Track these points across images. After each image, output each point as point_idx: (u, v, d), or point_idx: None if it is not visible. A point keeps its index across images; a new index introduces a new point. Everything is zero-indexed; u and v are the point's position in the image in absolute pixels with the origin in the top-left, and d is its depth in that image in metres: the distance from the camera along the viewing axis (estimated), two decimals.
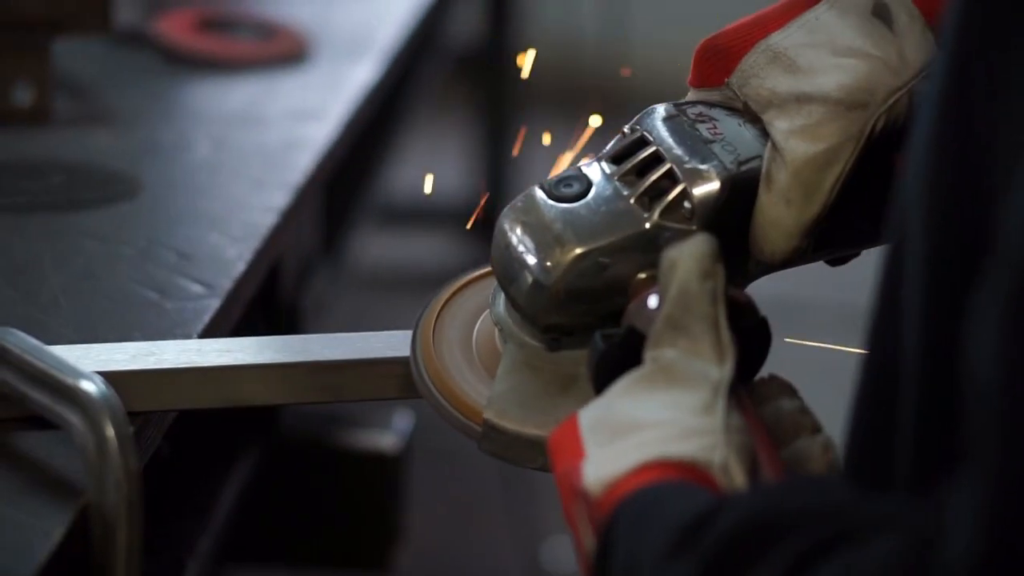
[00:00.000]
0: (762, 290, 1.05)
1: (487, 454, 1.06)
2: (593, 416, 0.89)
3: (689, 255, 0.92)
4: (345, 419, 1.99)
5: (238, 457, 1.77)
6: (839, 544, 0.71)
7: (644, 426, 0.86)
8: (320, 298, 2.01)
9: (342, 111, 1.93)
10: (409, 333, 1.12)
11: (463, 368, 1.08)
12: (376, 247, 3.47)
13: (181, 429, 1.28)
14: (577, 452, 0.88)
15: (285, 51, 2.15)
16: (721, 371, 0.88)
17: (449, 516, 2.99)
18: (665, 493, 0.82)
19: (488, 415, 1.04)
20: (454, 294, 1.12)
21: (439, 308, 1.11)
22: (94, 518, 1.00)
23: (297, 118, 1.89)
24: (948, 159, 0.75)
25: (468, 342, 1.10)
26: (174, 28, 2.14)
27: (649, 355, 0.91)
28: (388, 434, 2.00)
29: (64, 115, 1.86)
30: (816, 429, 0.94)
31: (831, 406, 1.07)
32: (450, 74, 3.45)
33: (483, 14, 3.86)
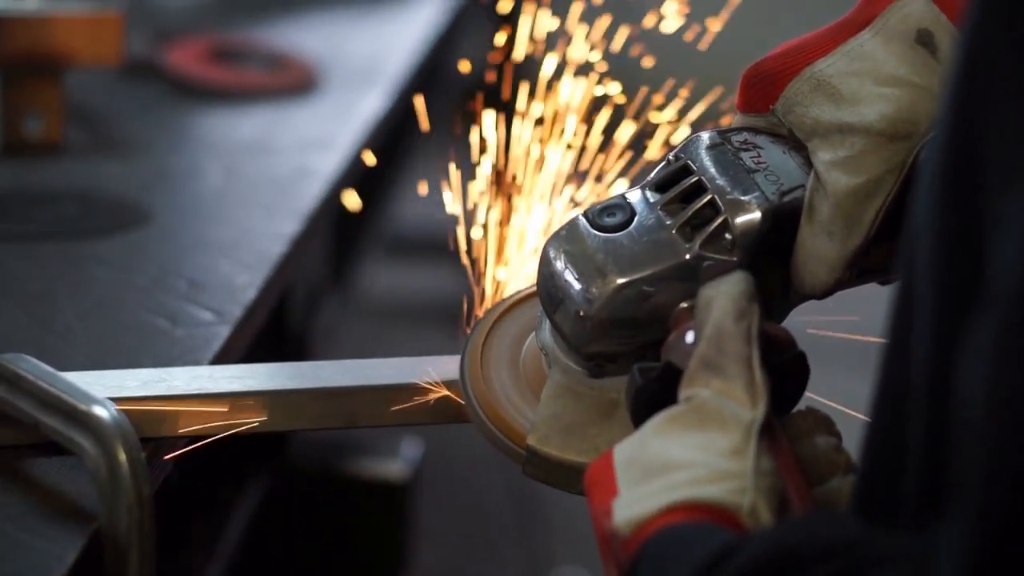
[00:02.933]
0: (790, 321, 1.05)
1: (530, 478, 1.06)
2: (627, 453, 0.89)
3: (725, 294, 0.92)
4: (354, 447, 2.00)
5: (247, 485, 1.78)
6: None
7: (675, 467, 0.86)
8: (329, 326, 2.02)
9: (351, 140, 1.94)
10: (418, 360, 1.14)
11: (510, 391, 1.09)
12: (384, 276, 3.48)
13: (190, 457, 1.28)
14: (610, 489, 0.88)
15: (295, 81, 2.16)
16: (754, 413, 0.88)
17: (457, 544, 2.99)
18: (689, 533, 0.83)
19: (531, 441, 1.05)
20: (501, 316, 1.13)
21: (487, 330, 1.11)
22: (106, 542, 1.01)
23: (306, 147, 1.90)
24: (952, 196, 0.75)
25: (515, 364, 1.10)
26: (185, 59, 2.16)
27: (683, 394, 0.91)
28: (397, 462, 2.00)
29: (76, 145, 1.88)
30: (849, 468, 0.94)
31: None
32: (458, 105, 3.46)
33: (491, 46, 3.87)
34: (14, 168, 1.79)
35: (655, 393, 0.93)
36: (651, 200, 1.04)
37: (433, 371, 1.14)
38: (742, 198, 1.02)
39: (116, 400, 1.06)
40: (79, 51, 1.85)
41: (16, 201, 1.68)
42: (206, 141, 1.98)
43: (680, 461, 0.87)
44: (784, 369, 0.94)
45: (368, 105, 2.09)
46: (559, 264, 1.03)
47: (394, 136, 2.50)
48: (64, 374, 1.08)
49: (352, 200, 1.89)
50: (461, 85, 3.38)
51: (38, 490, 1.06)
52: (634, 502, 0.86)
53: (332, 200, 1.79)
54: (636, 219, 1.03)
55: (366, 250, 2.49)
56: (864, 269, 1.05)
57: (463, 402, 1.10)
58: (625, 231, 1.03)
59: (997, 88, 0.71)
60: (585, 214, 1.04)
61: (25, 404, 1.07)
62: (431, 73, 2.72)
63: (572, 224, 1.04)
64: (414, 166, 2.91)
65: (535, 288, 1.11)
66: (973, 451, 0.66)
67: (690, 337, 0.95)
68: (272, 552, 1.92)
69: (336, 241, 2.17)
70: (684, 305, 1.01)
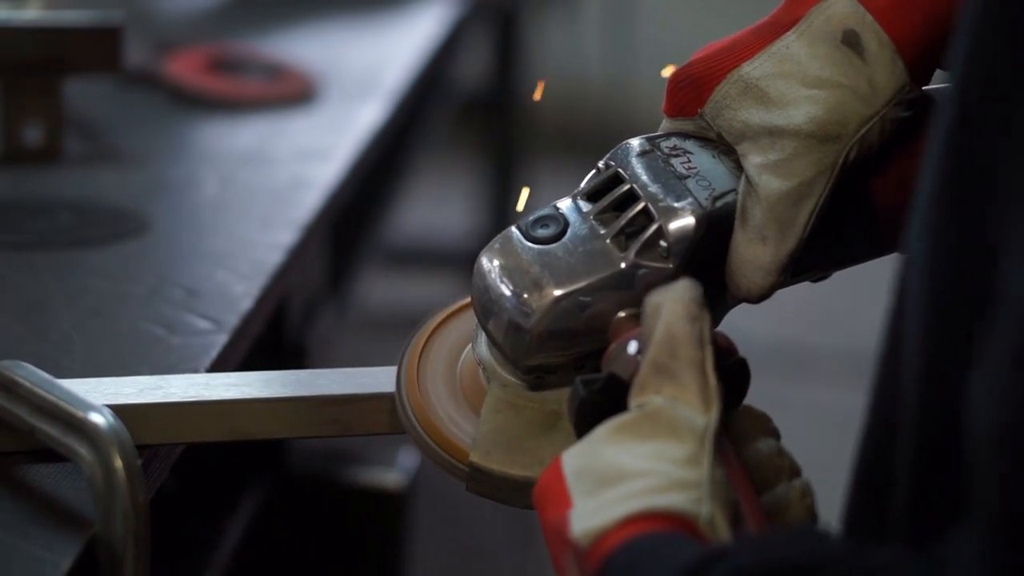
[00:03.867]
0: (768, 336, 1.05)
1: (475, 494, 1.06)
2: (577, 463, 0.88)
3: (674, 299, 0.92)
4: (349, 456, 2.00)
5: (243, 494, 1.78)
6: None
7: (630, 476, 0.85)
8: (325, 337, 2.02)
9: (349, 151, 1.94)
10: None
11: (448, 406, 1.08)
12: (381, 288, 3.49)
13: (187, 465, 1.29)
14: (563, 501, 0.87)
15: (293, 92, 2.17)
16: (707, 419, 0.88)
17: (452, 555, 2.99)
18: (656, 544, 0.82)
19: (474, 457, 1.04)
20: (436, 328, 1.12)
21: (422, 344, 1.11)
22: (102, 550, 1.01)
23: (304, 158, 1.90)
24: (951, 213, 0.75)
25: (452, 377, 1.10)
26: (183, 69, 2.17)
27: (635, 401, 0.90)
28: (392, 472, 2.01)
29: (74, 154, 1.88)
30: (794, 472, 0.94)
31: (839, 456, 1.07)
32: (456, 116, 3.47)
33: (489, 57, 3.89)
34: (12, 176, 1.80)
35: (599, 405, 0.93)
36: (583, 210, 1.04)
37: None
38: (675, 205, 1.02)
39: (113, 407, 1.06)
40: (78, 60, 1.85)
41: (14, 209, 1.69)
42: (204, 151, 1.99)
43: (635, 470, 0.86)
44: (727, 375, 0.94)
45: (367, 116, 2.10)
46: (494, 278, 1.03)
47: (392, 147, 2.51)
48: (60, 381, 1.09)
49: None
50: (460, 97, 3.39)
51: (33, 497, 1.07)
52: (591, 513, 0.85)
53: (330, 211, 1.80)
54: (569, 230, 1.03)
55: (363, 261, 2.49)
56: (798, 269, 1.05)
57: (400, 417, 1.10)
58: (559, 242, 1.02)
59: (1011, 96, 0.71)
60: (518, 226, 1.04)
61: (21, 410, 1.07)
62: (430, 84, 2.73)
63: (505, 237, 1.04)
64: (412, 177, 2.91)
65: (468, 301, 1.11)
66: (987, 469, 0.66)
67: (632, 347, 0.95)
68: (268, 560, 1.92)
69: (333, 251, 2.17)
70: (623, 314, 1.01)
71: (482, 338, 1.07)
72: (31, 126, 1.83)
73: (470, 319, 1.11)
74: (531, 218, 1.04)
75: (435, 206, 4.16)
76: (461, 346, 1.11)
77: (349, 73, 2.31)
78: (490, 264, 1.03)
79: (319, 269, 2.04)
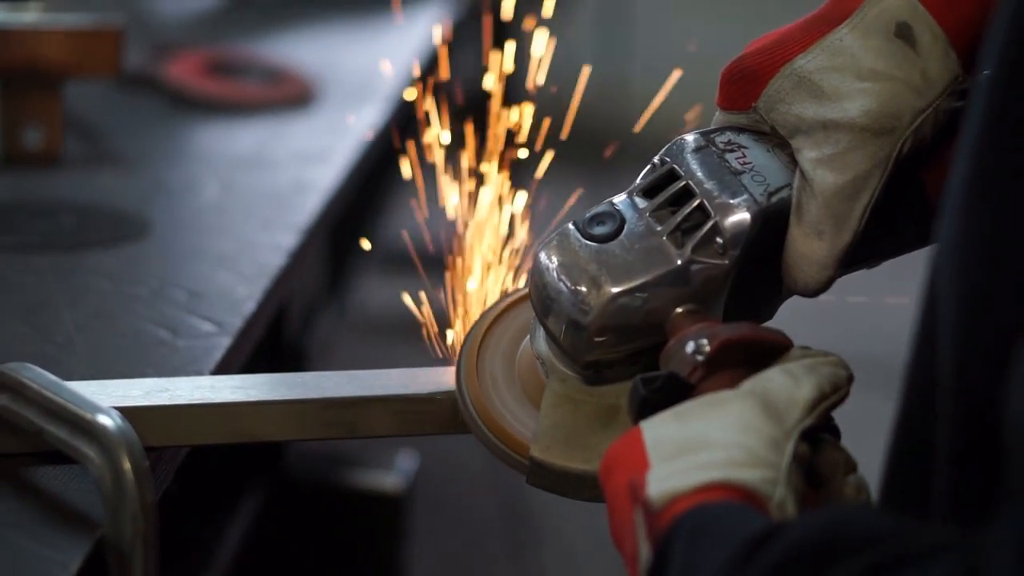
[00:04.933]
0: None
1: (534, 487, 1.07)
2: (659, 431, 0.90)
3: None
4: (349, 460, 2.00)
5: (243, 497, 1.78)
6: (899, 566, 0.73)
7: (712, 446, 0.87)
8: (326, 339, 2.02)
9: (348, 154, 1.95)
10: (417, 371, 1.14)
11: (507, 400, 1.09)
12: (381, 289, 3.49)
13: (188, 468, 1.29)
14: (640, 463, 0.89)
15: (292, 95, 2.17)
16: (804, 420, 0.90)
17: (450, 558, 2.99)
18: (726, 512, 0.84)
19: (534, 452, 1.05)
20: (495, 321, 1.13)
21: (480, 337, 1.12)
22: (110, 550, 1.01)
23: (304, 160, 1.91)
24: (984, 209, 0.76)
25: (511, 372, 1.11)
26: (183, 72, 2.17)
27: (752, 380, 0.93)
28: (391, 475, 2.01)
29: (74, 157, 1.88)
30: (851, 467, 0.95)
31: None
32: (454, 120, 3.47)
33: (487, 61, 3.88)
34: (13, 180, 1.80)
35: (659, 404, 0.94)
36: (639, 206, 1.05)
37: (431, 381, 1.15)
38: (731, 201, 1.02)
39: (120, 409, 1.07)
40: (78, 63, 1.85)
41: (15, 213, 1.69)
42: (204, 154, 1.99)
43: (718, 441, 0.88)
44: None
45: (365, 119, 2.10)
46: (552, 274, 1.03)
47: (391, 150, 2.51)
48: (68, 383, 1.09)
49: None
50: (457, 99, 3.39)
51: (42, 498, 1.07)
52: (669, 476, 0.87)
53: (330, 213, 1.80)
54: (626, 227, 1.04)
55: (363, 263, 2.49)
56: (851, 260, 1.05)
57: (462, 413, 1.10)
58: (616, 240, 1.03)
59: None
60: (575, 223, 1.05)
61: (29, 413, 1.07)
62: (427, 87, 2.73)
63: (562, 234, 1.04)
64: (409, 182, 2.91)
65: (523, 291, 1.11)
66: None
67: (690, 347, 0.96)
68: (267, 562, 1.92)
69: (333, 254, 2.18)
70: (680, 310, 1.02)
71: (540, 332, 1.08)
72: (31, 129, 1.83)
73: (526, 310, 1.11)
74: (588, 215, 1.04)
75: (433, 208, 4.15)
76: (519, 339, 1.12)
77: (348, 76, 2.31)
78: (548, 261, 1.04)
79: (320, 271, 2.04)
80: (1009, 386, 0.69)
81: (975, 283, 0.75)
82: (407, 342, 1.20)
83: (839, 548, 0.75)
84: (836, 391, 0.94)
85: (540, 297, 1.04)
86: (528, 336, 1.11)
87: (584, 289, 1.02)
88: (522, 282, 1.27)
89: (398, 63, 2.42)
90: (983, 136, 0.76)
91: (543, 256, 1.04)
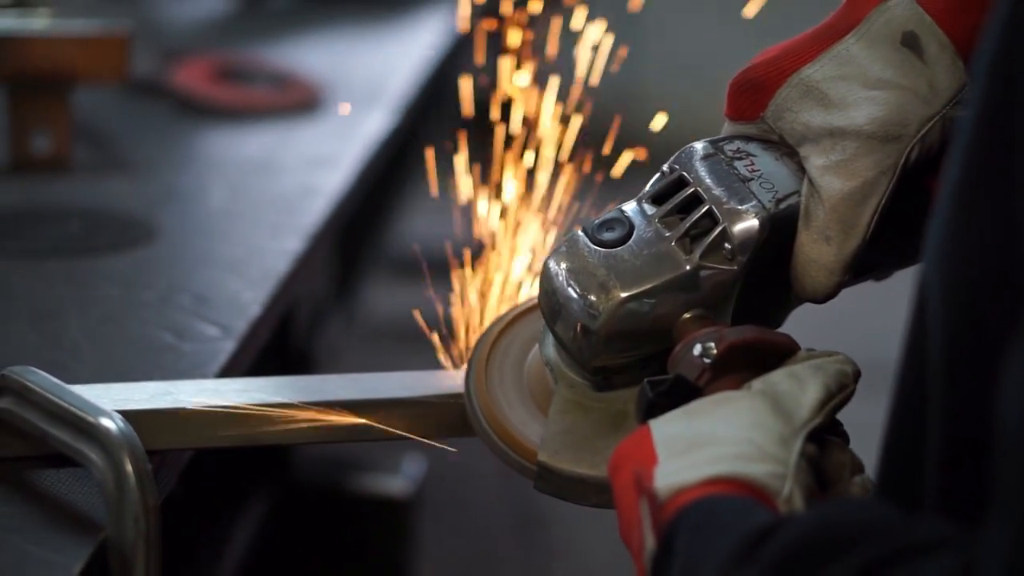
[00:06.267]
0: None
1: (542, 492, 1.07)
2: (668, 429, 0.91)
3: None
4: (355, 464, 2.01)
5: (250, 502, 1.79)
6: (898, 560, 0.73)
7: (721, 441, 0.88)
8: (332, 343, 2.03)
9: (355, 159, 1.95)
10: (423, 374, 1.15)
11: (516, 406, 1.10)
12: (388, 294, 3.49)
13: (194, 473, 1.29)
14: (649, 458, 0.89)
15: (300, 100, 2.18)
16: (812, 419, 0.91)
17: (458, 562, 2.99)
18: (730, 505, 0.85)
19: (542, 457, 1.06)
20: (504, 329, 1.13)
21: (490, 345, 1.12)
22: (113, 553, 1.02)
23: (311, 165, 1.91)
24: (975, 209, 0.76)
25: (519, 378, 1.11)
26: (190, 78, 2.18)
27: (759, 380, 0.94)
28: (398, 479, 2.01)
29: (83, 163, 1.89)
30: (857, 468, 0.95)
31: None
32: (461, 125, 3.47)
33: (494, 67, 3.89)
34: (21, 185, 1.81)
35: (666, 407, 0.94)
36: (648, 212, 1.05)
37: (436, 385, 1.15)
38: (739, 207, 1.03)
39: (123, 412, 1.07)
40: (86, 69, 1.86)
41: (23, 218, 1.70)
42: (212, 159, 1.99)
43: (726, 437, 0.88)
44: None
45: (372, 124, 2.11)
46: (561, 280, 1.04)
47: (398, 155, 2.52)
48: (72, 387, 1.09)
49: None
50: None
51: (45, 501, 1.07)
52: (677, 471, 0.87)
53: (337, 218, 1.81)
54: (635, 232, 1.04)
55: (370, 268, 2.50)
56: (860, 269, 1.06)
57: (470, 418, 1.11)
58: (625, 245, 1.04)
59: None
60: (584, 229, 1.05)
61: (33, 416, 1.08)
62: (435, 93, 2.74)
63: (571, 239, 1.05)
64: (418, 185, 2.92)
65: (534, 301, 1.12)
66: (1016, 458, 0.67)
67: (697, 349, 0.97)
68: (275, 566, 1.93)
69: (340, 259, 2.18)
70: (688, 315, 1.03)
71: (549, 339, 1.09)
72: (40, 135, 1.84)
73: (536, 320, 1.12)
74: (597, 221, 1.05)
75: (440, 214, 4.16)
76: (528, 347, 1.13)
77: (355, 82, 2.32)
78: (557, 267, 1.04)
79: (326, 276, 2.05)
80: (999, 386, 0.69)
81: (964, 285, 0.76)
82: (415, 348, 1.21)
83: (840, 542, 0.75)
84: (843, 389, 0.95)
85: (549, 303, 1.05)
86: (537, 344, 1.11)
87: (593, 294, 1.02)
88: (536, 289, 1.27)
89: (406, 68, 2.42)
90: (973, 140, 0.76)
91: (552, 262, 1.04)
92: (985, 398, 0.73)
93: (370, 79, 2.35)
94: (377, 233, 2.57)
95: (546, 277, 1.05)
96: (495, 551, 3.04)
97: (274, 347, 1.74)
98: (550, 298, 1.05)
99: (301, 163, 1.92)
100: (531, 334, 1.13)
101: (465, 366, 1.13)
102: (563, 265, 1.04)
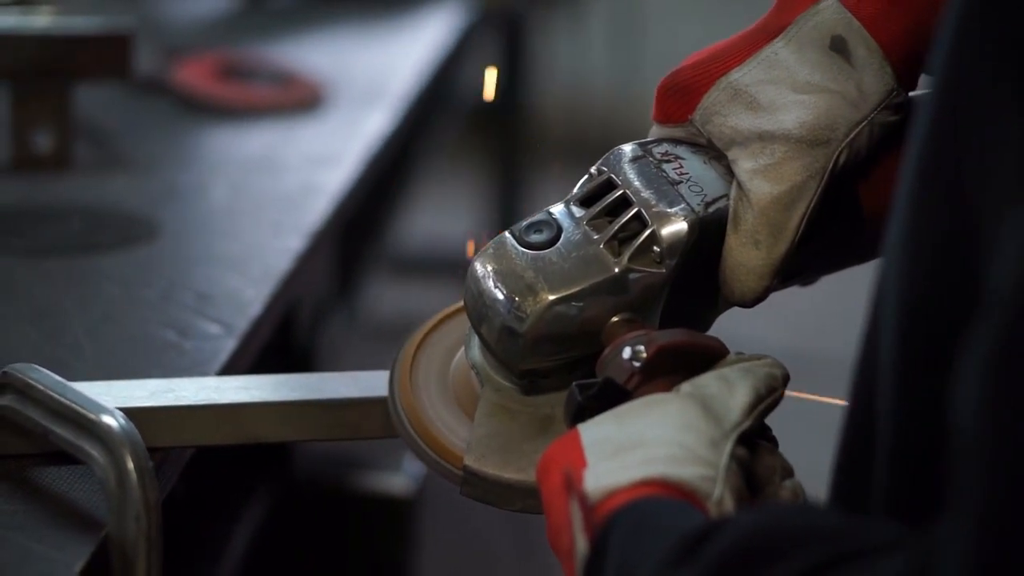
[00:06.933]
0: (765, 343, 1.06)
1: (468, 497, 1.07)
2: (597, 432, 0.91)
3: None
4: (356, 462, 2.01)
5: (250, 500, 1.79)
6: (841, 564, 0.73)
7: (651, 444, 0.88)
8: (334, 342, 2.03)
9: (357, 158, 1.95)
10: None
11: (441, 410, 1.09)
12: (390, 293, 3.50)
13: (195, 471, 1.30)
14: (577, 461, 0.89)
15: (302, 98, 2.18)
16: (741, 422, 0.91)
17: (458, 561, 3.00)
18: (663, 507, 0.85)
19: (468, 461, 1.05)
20: (429, 332, 1.13)
21: (415, 348, 1.12)
22: (114, 550, 1.02)
23: (313, 164, 1.91)
24: (932, 209, 0.76)
25: (445, 382, 1.11)
26: (193, 76, 2.18)
27: (689, 383, 0.94)
28: (399, 477, 2.01)
29: (84, 161, 1.89)
30: (787, 473, 0.95)
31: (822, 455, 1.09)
32: (463, 124, 3.48)
33: (497, 65, 3.90)
34: (23, 183, 1.81)
35: (595, 410, 0.94)
36: (576, 215, 1.05)
37: None
38: (668, 210, 1.03)
39: (124, 410, 1.07)
40: (88, 67, 1.86)
41: (25, 216, 1.70)
42: (213, 157, 2.00)
43: (657, 439, 0.88)
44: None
45: (374, 122, 2.11)
46: (488, 283, 1.03)
47: (400, 153, 2.52)
48: (73, 384, 1.10)
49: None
50: (467, 104, 3.40)
51: (47, 498, 1.08)
52: (607, 473, 0.87)
53: (338, 217, 1.81)
54: (563, 235, 1.03)
55: (372, 267, 2.50)
56: (788, 274, 1.06)
57: (394, 422, 1.10)
58: (553, 248, 1.03)
59: (991, 100, 0.72)
60: (511, 231, 1.04)
61: (34, 413, 1.08)
62: (437, 92, 2.74)
63: (499, 242, 1.04)
64: (420, 184, 2.93)
65: (459, 306, 1.11)
66: (971, 457, 0.67)
67: (626, 352, 0.97)
68: (275, 565, 1.93)
69: (342, 257, 2.18)
70: (616, 319, 1.02)
71: (475, 342, 1.08)
72: (41, 133, 1.84)
73: (462, 324, 1.11)
74: (524, 223, 1.04)
75: (442, 212, 4.16)
76: (453, 351, 1.12)
77: (357, 80, 2.32)
78: (484, 269, 1.03)
79: (327, 275, 2.05)
80: (953, 385, 0.69)
81: (917, 284, 0.76)
82: None
83: (781, 545, 0.75)
84: (771, 392, 0.95)
85: (475, 305, 1.04)
86: (463, 348, 1.10)
87: (520, 296, 1.02)
88: None
89: (408, 67, 2.43)
90: (925, 150, 0.77)
91: (479, 264, 1.03)
92: (936, 399, 0.73)
93: (372, 77, 2.35)
94: (379, 231, 2.57)
95: (472, 279, 1.04)
96: (496, 549, 3.04)
97: (275, 345, 1.74)
98: (476, 300, 1.04)
99: (303, 161, 1.93)
100: (456, 337, 1.12)
101: (389, 370, 1.12)
102: (490, 267, 1.03)
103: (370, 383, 1.16)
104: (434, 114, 2.92)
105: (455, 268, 4.10)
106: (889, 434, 0.79)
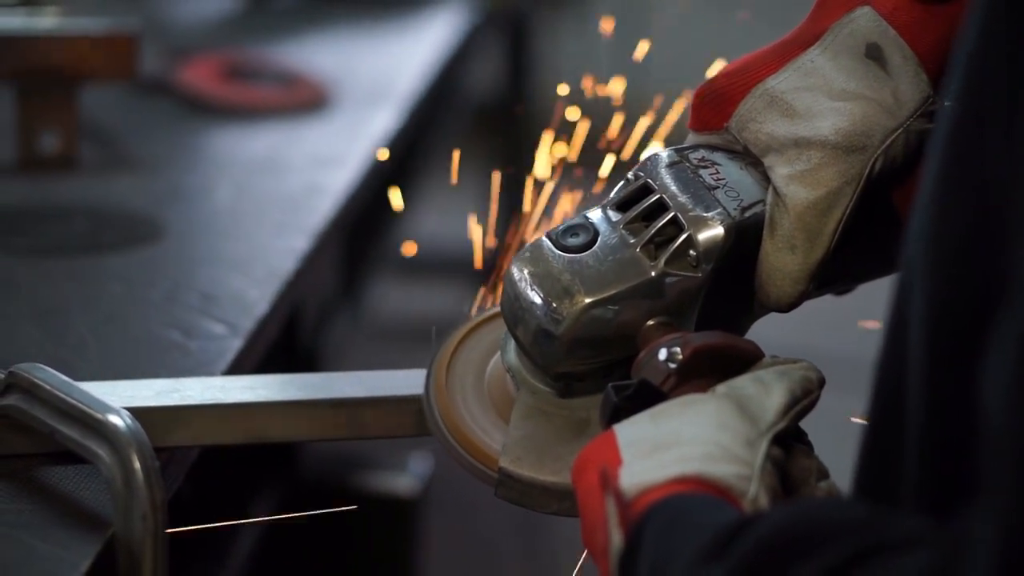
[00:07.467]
0: (781, 342, 1.06)
1: (502, 499, 1.07)
2: (633, 431, 0.91)
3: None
4: (362, 462, 2.01)
5: (257, 500, 1.79)
6: (871, 557, 0.73)
7: (687, 442, 0.89)
8: (339, 342, 2.03)
9: (362, 158, 1.95)
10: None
11: (476, 412, 1.10)
12: (395, 293, 3.50)
13: (202, 472, 1.30)
14: (613, 460, 0.90)
15: (307, 99, 2.18)
16: (777, 422, 0.92)
17: (464, 560, 3.00)
18: (698, 503, 0.85)
19: (504, 463, 1.06)
20: (465, 337, 1.13)
21: (451, 352, 1.12)
22: (120, 549, 1.02)
23: (318, 164, 1.92)
24: (957, 203, 0.76)
25: (480, 385, 1.11)
26: (198, 76, 2.18)
27: (725, 385, 0.94)
28: (405, 477, 2.01)
29: (90, 161, 1.89)
30: (822, 474, 0.95)
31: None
32: (468, 123, 3.48)
33: (501, 65, 3.90)
34: (28, 184, 1.81)
35: (630, 412, 0.94)
36: (613, 219, 1.05)
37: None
38: (704, 215, 1.03)
39: (130, 410, 1.07)
40: (94, 68, 1.86)
41: (30, 216, 1.70)
42: (219, 158, 2.00)
43: (693, 438, 0.89)
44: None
45: (379, 123, 2.11)
46: (524, 285, 1.03)
47: (405, 154, 2.52)
48: (79, 384, 1.10)
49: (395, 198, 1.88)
50: (473, 104, 3.40)
51: (53, 498, 1.08)
52: (643, 471, 0.88)
53: (343, 217, 1.81)
54: (599, 239, 1.04)
55: (377, 267, 2.50)
56: (823, 280, 1.06)
57: (428, 423, 1.11)
58: (589, 251, 1.03)
59: (1018, 100, 0.72)
60: (548, 235, 1.05)
61: (41, 413, 1.08)
62: (443, 92, 2.74)
63: (536, 245, 1.05)
64: (425, 184, 2.93)
65: (497, 309, 1.11)
66: (1000, 453, 0.67)
67: (662, 354, 0.97)
68: (281, 563, 1.93)
69: (347, 258, 2.18)
70: (652, 322, 1.03)
71: (511, 345, 1.08)
72: (47, 133, 1.84)
73: (497, 329, 1.12)
74: (561, 227, 1.05)
75: (447, 213, 4.16)
76: (489, 354, 1.12)
77: (362, 80, 2.32)
78: (520, 272, 1.04)
79: (332, 275, 2.05)
80: (982, 379, 0.69)
81: (943, 283, 0.76)
82: (422, 346, 1.21)
83: (812, 539, 0.75)
84: (807, 395, 0.95)
85: (511, 308, 1.04)
86: (499, 352, 1.11)
87: (556, 299, 1.02)
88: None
89: (413, 67, 2.43)
90: (949, 148, 0.77)
91: (515, 267, 1.04)
92: (966, 392, 0.73)
93: (377, 78, 2.35)
94: (384, 232, 2.58)
95: (509, 282, 1.04)
96: (501, 550, 3.04)
97: (281, 345, 1.74)
98: (513, 303, 1.04)
99: (308, 162, 1.93)
100: (493, 340, 1.12)
101: (426, 372, 1.12)
102: (527, 270, 1.03)
103: (376, 383, 1.16)
104: (439, 115, 2.92)
105: (459, 268, 4.10)
106: (919, 428, 0.79)
